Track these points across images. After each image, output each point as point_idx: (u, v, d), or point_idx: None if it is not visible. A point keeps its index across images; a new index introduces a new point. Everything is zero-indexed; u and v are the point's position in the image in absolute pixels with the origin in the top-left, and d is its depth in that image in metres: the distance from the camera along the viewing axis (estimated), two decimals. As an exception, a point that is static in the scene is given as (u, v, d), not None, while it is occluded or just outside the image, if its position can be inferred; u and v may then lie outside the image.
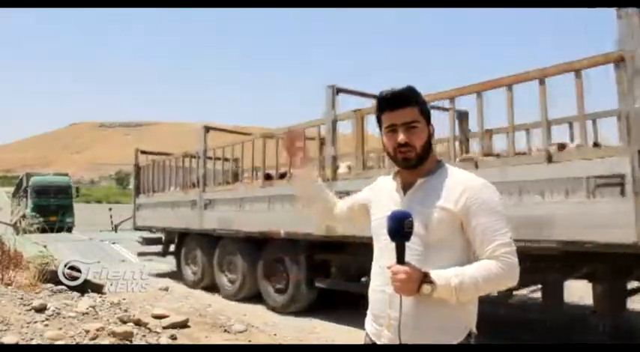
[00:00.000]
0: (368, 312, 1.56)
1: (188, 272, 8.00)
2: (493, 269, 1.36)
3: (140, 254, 9.65)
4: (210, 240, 7.33)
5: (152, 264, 9.64)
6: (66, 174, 27.25)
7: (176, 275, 8.46)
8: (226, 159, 8.28)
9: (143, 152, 10.00)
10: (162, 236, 9.22)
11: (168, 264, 9.32)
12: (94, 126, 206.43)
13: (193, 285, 7.69)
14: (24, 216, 22.36)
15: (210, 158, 8.18)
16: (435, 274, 1.34)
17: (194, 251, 7.85)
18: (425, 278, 1.33)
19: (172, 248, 8.94)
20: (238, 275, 6.73)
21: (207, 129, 7.75)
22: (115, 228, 19.32)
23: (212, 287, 7.34)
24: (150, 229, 9.64)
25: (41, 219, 20.39)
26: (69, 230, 21.29)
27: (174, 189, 8.53)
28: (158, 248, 9.24)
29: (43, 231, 18.32)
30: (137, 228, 9.99)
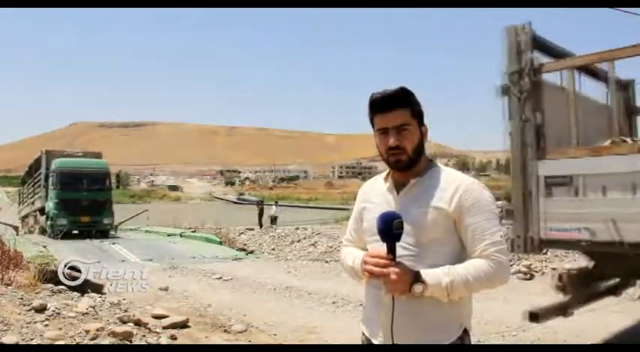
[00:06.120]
0: (363, 311, 1.57)
1: None
2: (483, 268, 1.37)
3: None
4: None
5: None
6: (99, 155, 19.33)
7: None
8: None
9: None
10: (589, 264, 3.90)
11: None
12: (94, 126, 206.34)
13: None
14: (42, 212, 17.27)
15: None
16: (426, 273, 1.35)
17: None
18: (416, 277, 1.34)
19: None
20: None
21: None
22: (115, 229, 19.28)
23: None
24: None
25: (64, 221, 15.51)
26: (105, 234, 16.15)
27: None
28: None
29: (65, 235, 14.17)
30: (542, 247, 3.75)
